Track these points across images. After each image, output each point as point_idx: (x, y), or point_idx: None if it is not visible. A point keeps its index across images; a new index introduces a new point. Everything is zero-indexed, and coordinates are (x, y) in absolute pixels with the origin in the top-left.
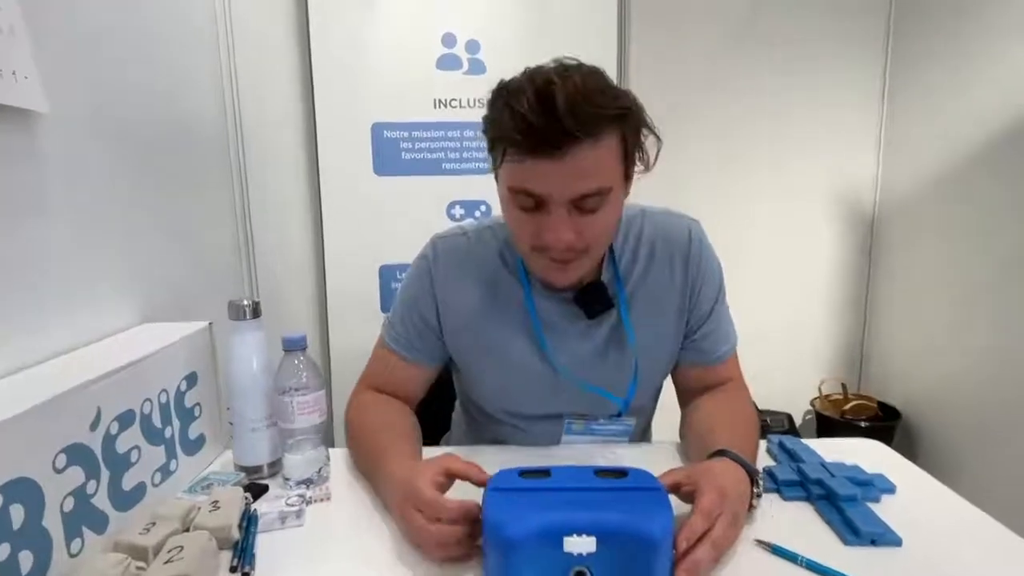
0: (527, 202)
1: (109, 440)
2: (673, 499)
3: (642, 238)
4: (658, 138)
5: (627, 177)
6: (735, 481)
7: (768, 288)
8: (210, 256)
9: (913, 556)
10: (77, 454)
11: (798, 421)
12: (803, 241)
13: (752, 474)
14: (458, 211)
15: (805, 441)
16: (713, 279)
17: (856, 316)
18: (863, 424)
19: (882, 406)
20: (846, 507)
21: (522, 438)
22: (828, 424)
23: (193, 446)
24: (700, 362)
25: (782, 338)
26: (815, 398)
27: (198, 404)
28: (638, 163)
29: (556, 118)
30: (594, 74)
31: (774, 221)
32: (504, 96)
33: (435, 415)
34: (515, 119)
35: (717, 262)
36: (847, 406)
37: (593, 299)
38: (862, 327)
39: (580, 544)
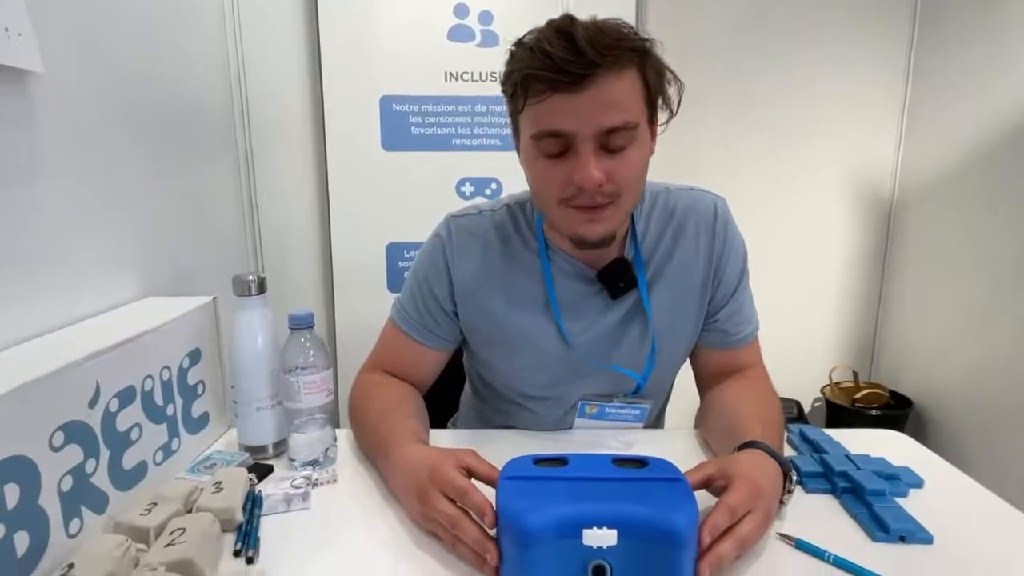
0: (553, 147)
1: (109, 417)
2: (699, 493)
3: (666, 214)
4: (679, 82)
5: (652, 123)
6: (769, 476)
7: (781, 272)
8: (215, 229)
9: (945, 554)
10: (75, 432)
11: (807, 408)
12: (819, 225)
13: (786, 469)
14: (468, 188)
15: (828, 432)
16: (738, 256)
17: (870, 303)
18: (874, 413)
19: (893, 395)
20: (874, 502)
21: (534, 420)
22: (838, 412)
23: (196, 425)
24: (724, 345)
25: (793, 323)
26: (825, 385)
27: (201, 381)
28: (662, 111)
29: (577, 50)
30: (613, 18)
31: (789, 204)
32: (524, 41)
33: (443, 397)
34: (536, 55)
35: (742, 240)
36: (858, 394)
37: (617, 277)
38: (876, 314)
39: (600, 537)
